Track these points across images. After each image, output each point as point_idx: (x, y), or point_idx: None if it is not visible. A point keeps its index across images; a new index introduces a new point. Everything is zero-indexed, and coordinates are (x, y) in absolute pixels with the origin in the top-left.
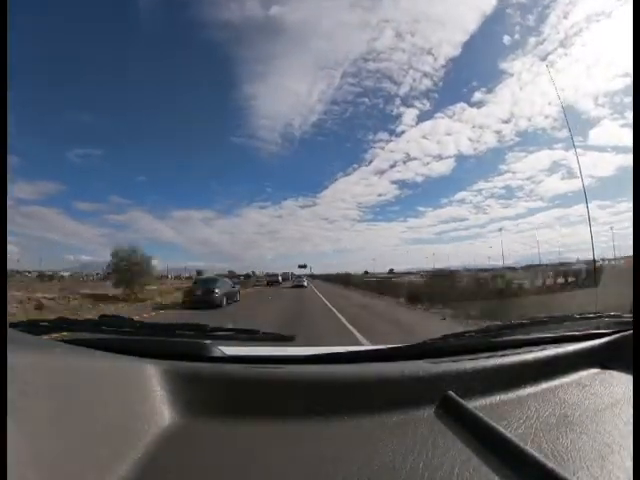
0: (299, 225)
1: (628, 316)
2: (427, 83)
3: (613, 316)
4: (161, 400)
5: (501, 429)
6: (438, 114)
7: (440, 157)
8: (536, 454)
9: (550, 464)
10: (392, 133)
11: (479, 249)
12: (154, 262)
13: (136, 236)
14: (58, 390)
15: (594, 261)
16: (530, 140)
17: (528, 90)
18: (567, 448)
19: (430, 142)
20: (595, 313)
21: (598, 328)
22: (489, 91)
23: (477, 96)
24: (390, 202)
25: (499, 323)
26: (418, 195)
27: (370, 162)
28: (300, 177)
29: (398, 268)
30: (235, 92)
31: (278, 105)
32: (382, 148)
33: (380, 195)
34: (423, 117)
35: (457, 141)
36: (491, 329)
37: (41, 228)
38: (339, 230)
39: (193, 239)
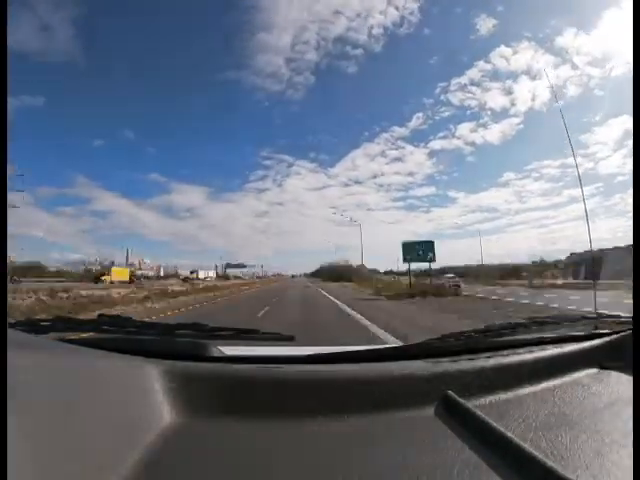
0: (303, 215)
1: (628, 316)
2: None
3: (613, 316)
4: (161, 400)
5: (501, 428)
6: (524, 32)
7: (505, 113)
8: (536, 453)
9: (550, 463)
10: (449, 66)
11: (496, 245)
12: None
13: (121, 232)
14: (58, 390)
15: (592, 260)
16: (616, 97)
17: None
18: (566, 447)
19: (499, 86)
20: (595, 313)
21: (598, 328)
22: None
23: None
24: (419, 184)
25: (499, 323)
26: (455, 174)
27: (407, 121)
28: (308, 138)
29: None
30: None
31: (287, 5)
32: (429, 96)
33: (410, 174)
34: (499, 36)
35: (534, 89)
36: (491, 329)
37: (15, 223)
38: (349, 222)
39: (180, 233)
